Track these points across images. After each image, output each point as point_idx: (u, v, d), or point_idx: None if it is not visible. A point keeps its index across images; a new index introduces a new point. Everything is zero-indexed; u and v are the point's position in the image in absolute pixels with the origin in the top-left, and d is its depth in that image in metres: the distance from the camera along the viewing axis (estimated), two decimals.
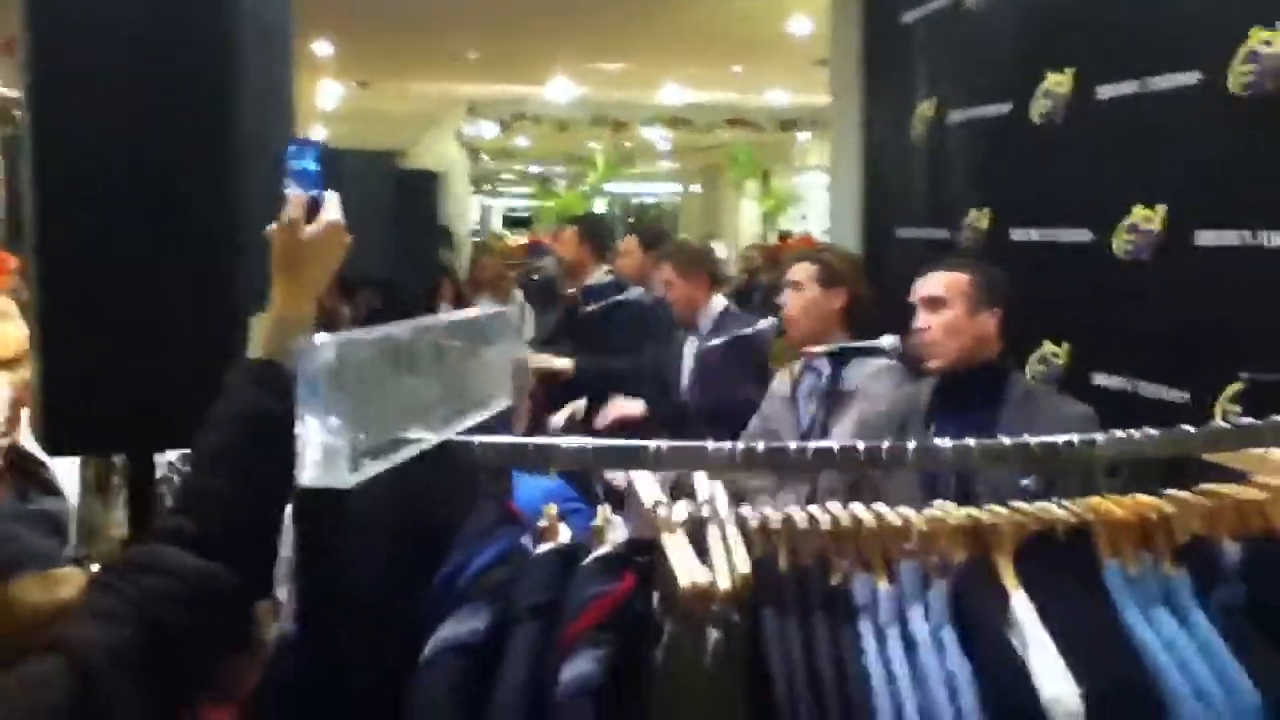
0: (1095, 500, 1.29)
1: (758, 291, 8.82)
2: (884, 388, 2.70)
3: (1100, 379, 3.71)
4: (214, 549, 1.10)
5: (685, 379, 4.02)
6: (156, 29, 1.51)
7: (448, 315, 1.44)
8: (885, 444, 1.25)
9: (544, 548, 1.21)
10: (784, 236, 15.27)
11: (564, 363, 4.41)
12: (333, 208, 1.28)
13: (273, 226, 1.25)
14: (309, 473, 1.04)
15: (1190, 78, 3.39)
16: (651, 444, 1.20)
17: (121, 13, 1.50)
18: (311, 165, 1.29)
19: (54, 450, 1.45)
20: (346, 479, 1.03)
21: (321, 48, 9.32)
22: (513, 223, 21.36)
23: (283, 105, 1.77)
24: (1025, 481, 1.94)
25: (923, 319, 2.41)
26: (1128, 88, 3.67)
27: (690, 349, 4.05)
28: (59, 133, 1.46)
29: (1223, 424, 1.33)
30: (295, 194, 1.26)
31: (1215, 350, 3.19)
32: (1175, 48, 3.45)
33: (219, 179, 1.47)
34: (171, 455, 1.82)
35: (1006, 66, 4.38)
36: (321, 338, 1.06)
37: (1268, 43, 3.09)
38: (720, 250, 13.46)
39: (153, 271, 1.42)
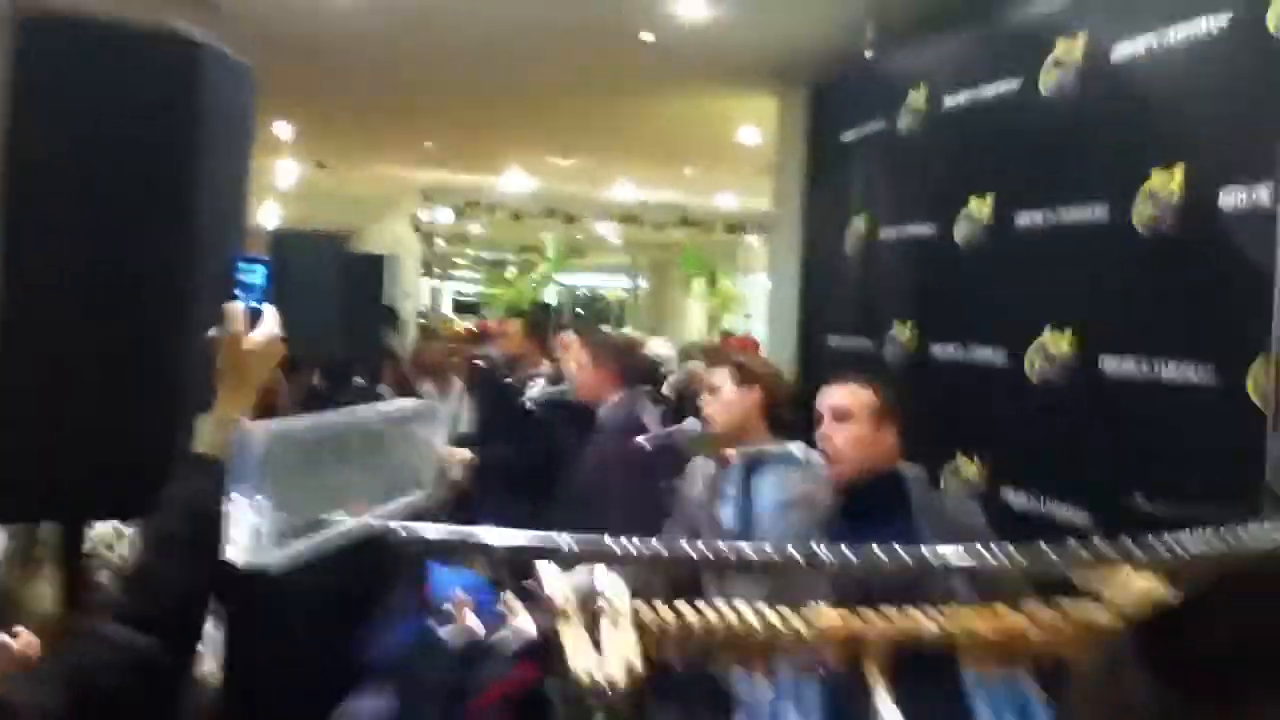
0: (959, 610, 1.41)
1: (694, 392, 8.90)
2: (794, 493, 2.80)
3: (1010, 495, 3.87)
4: (154, 627, 1.18)
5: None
6: (123, 114, 1.55)
7: (377, 405, 1.54)
8: (781, 548, 1.36)
9: (450, 630, 1.30)
10: (726, 335, 15.52)
11: (463, 453, 4.48)
12: (271, 320, 1.40)
13: (215, 332, 1.36)
14: (236, 552, 1.12)
15: (1098, 211, 3.62)
16: (563, 539, 1.31)
17: (91, 96, 1.55)
18: (258, 279, 1.42)
19: None
20: (272, 559, 1.12)
21: (281, 128, 9.47)
22: (461, 307, 21.42)
23: (239, 197, 1.85)
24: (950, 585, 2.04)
25: (828, 428, 2.53)
26: (1042, 216, 3.90)
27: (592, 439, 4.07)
28: (28, 217, 1.53)
29: (1076, 544, 1.45)
30: (236, 307, 1.38)
31: (1117, 472, 3.36)
32: (1086, 182, 3.69)
33: (173, 269, 1.54)
34: (103, 529, 1.88)
35: (933, 190, 4.62)
36: (253, 425, 1.16)
37: (1165, 183, 3.33)
38: (664, 347, 13.64)
39: (100, 350, 1.50)
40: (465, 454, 4.43)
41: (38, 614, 1.69)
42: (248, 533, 1.13)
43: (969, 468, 4.10)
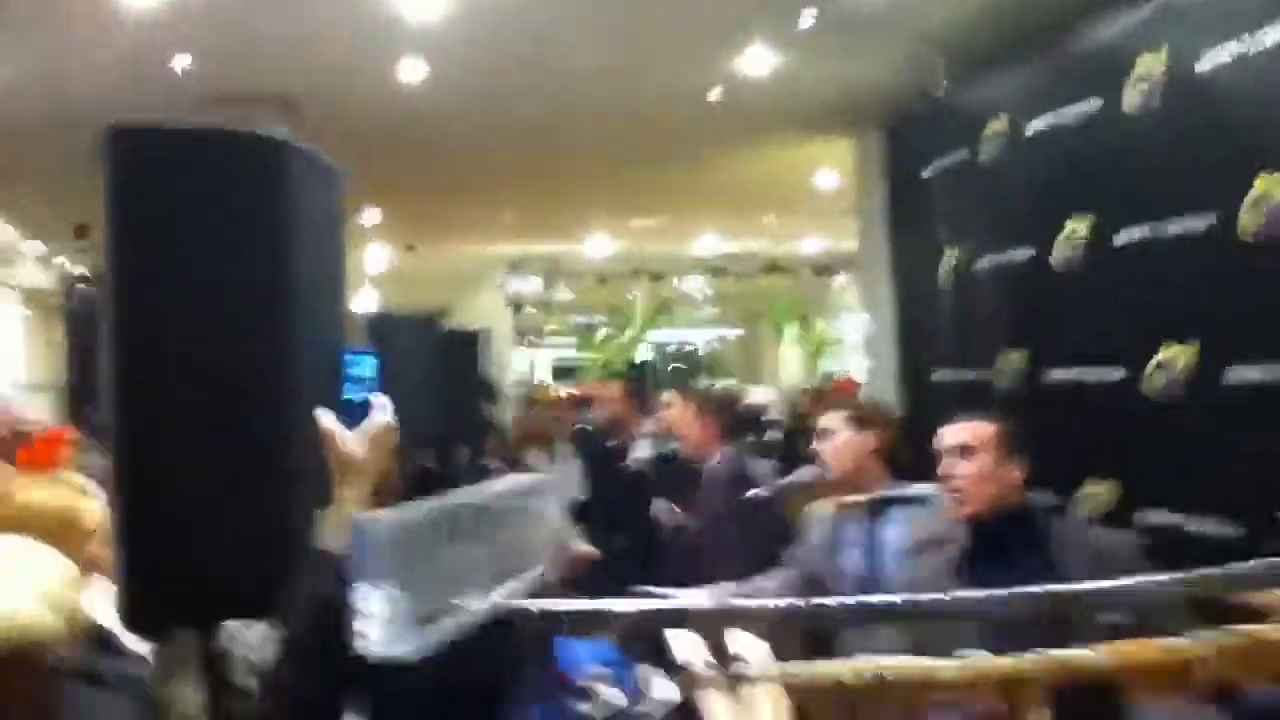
0: (1120, 643, 1.32)
1: (806, 436, 8.79)
2: (926, 534, 2.72)
3: (1149, 515, 3.71)
4: None
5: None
6: (216, 219, 1.57)
7: (492, 483, 1.52)
8: (922, 596, 1.30)
9: (589, 708, 1.26)
10: (831, 379, 15.34)
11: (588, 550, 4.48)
12: (383, 410, 1.41)
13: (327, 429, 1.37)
14: (368, 645, 1.11)
15: (1202, 221, 3.50)
16: (691, 604, 1.27)
17: (191, 213, 1.58)
18: (366, 370, 1.43)
19: (138, 630, 1.53)
20: (404, 648, 1.10)
21: (368, 215, 9.75)
22: (559, 373, 21.63)
23: (337, 291, 1.88)
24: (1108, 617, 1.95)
25: (951, 466, 2.46)
26: (1142, 231, 3.79)
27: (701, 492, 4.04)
28: (137, 325, 1.56)
29: (1242, 565, 1.36)
30: (321, 413, 1.38)
31: (1261, 482, 3.19)
32: (1186, 194, 3.58)
33: (277, 368, 1.56)
34: (237, 628, 1.90)
35: (1024, 215, 4.53)
36: (373, 514, 1.14)
37: (1270, 191, 3.20)
38: (763, 395, 13.55)
39: (217, 456, 1.51)
40: (589, 550, 4.42)
41: (184, 717, 1.71)
42: (377, 625, 1.11)
43: (1100, 491, 3.95)
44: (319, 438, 1.39)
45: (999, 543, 2.35)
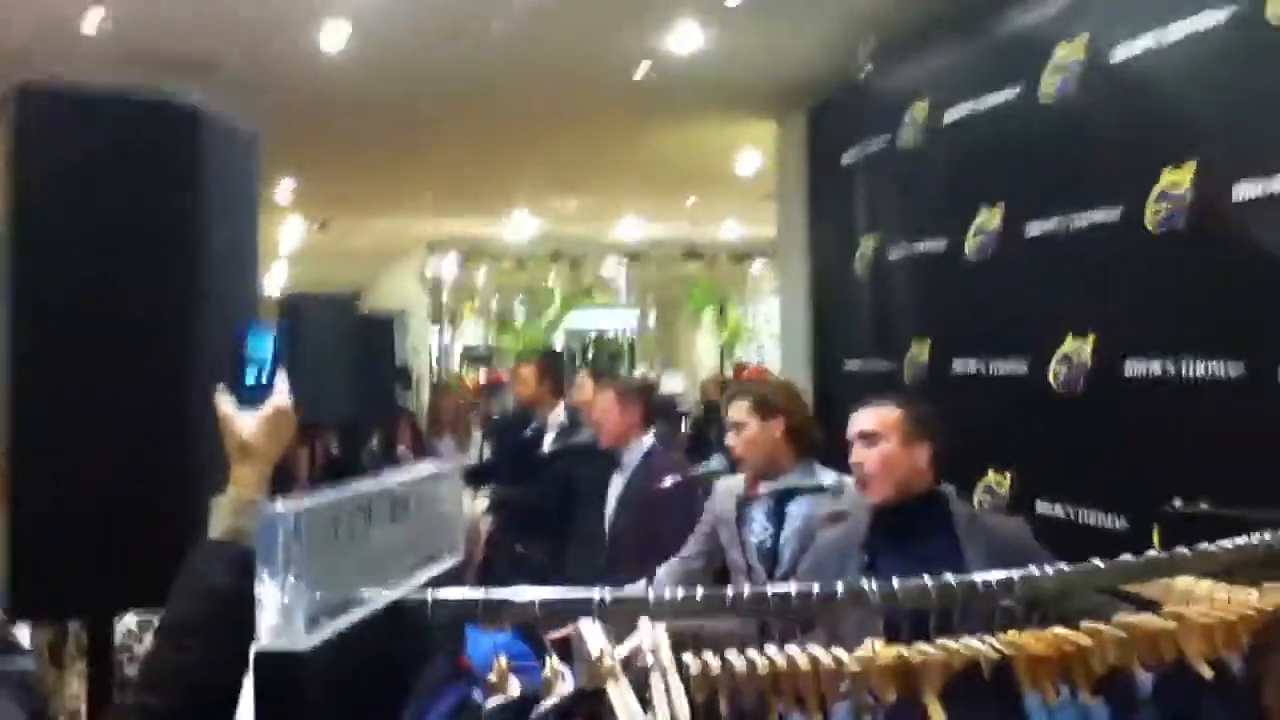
0: (1015, 634, 1.36)
1: (716, 425, 8.89)
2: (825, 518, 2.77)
3: (1043, 506, 3.81)
4: (176, 718, 1.15)
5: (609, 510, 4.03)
6: (124, 184, 1.52)
7: (401, 473, 1.50)
8: (817, 587, 1.32)
9: (494, 701, 1.26)
10: (740, 368, 15.48)
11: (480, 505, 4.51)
12: (282, 392, 1.37)
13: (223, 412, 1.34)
14: (267, 635, 1.09)
15: (1111, 214, 3.60)
16: (597, 593, 1.27)
17: (98, 179, 1.53)
18: (266, 350, 1.39)
19: (19, 616, 1.47)
20: (303, 640, 1.08)
21: (284, 188, 9.54)
22: (471, 359, 21.44)
23: (248, 264, 1.83)
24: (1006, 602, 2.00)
25: (858, 453, 2.50)
26: (1054, 223, 3.88)
27: (617, 482, 4.07)
28: (34, 297, 1.50)
29: (1129, 557, 1.41)
30: (220, 395, 1.35)
31: (1149, 477, 3.30)
32: (1097, 186, 3.67)
33: (180, 345, 1.52)
34: (130, 622, 1.86)
35: (940, 204, 4.60)
36: (278, 503, 1.13)
37: (1176, 183, 3.30)
38: (677, 383, 13.61)
39: (111, 435, 1.47)
40: (483, 500, 4.43)
41: (70, 710, 1.66)
42: (277, 615, 1.10)
43: (1000, 482, 4.05)
44: (216, 420, 1.35)
45: (904, 527, 2.40)
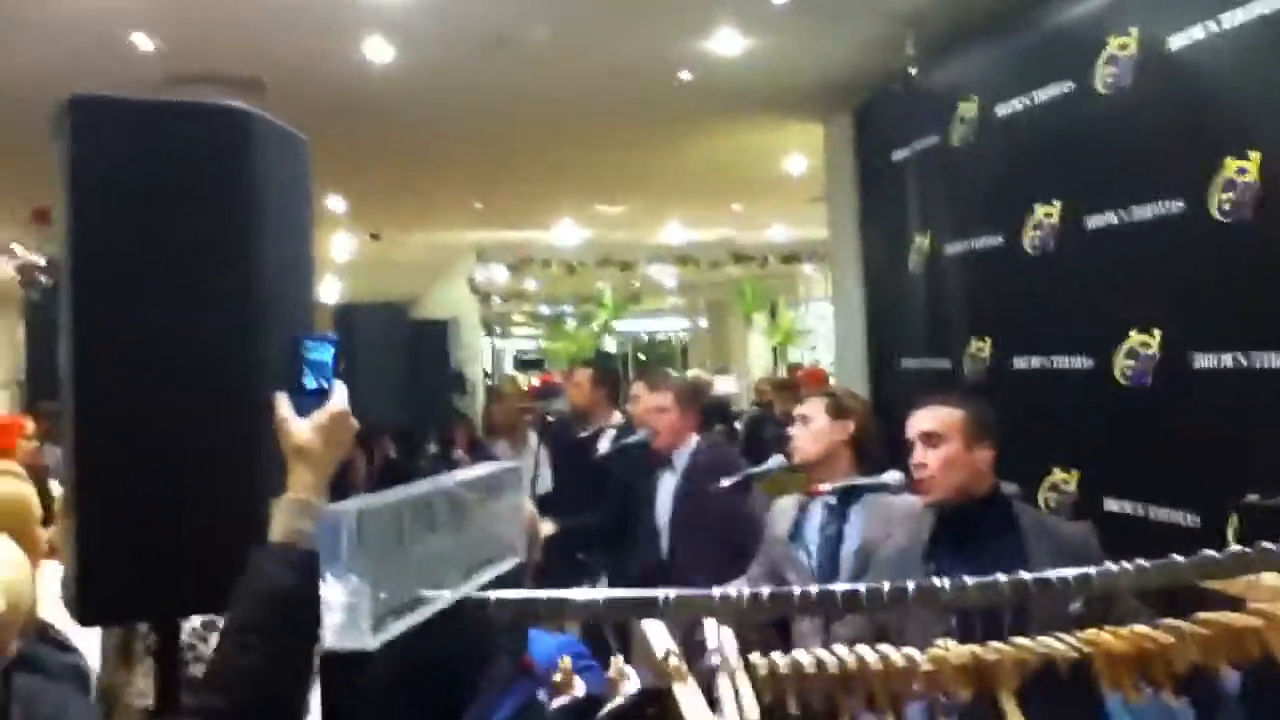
0: (1093, 632, 1.32)
1: (770, 425, 8.83)
2: (887, 524, 2.72)
3: (1111, 504, 3.73)
4: None
5: (661, 516, 4.00)
6: (178, 192, 1.51)
7: (461, 472, 1.50)
8: (886, 585, 1.29)
9: (560, 701, 1.25)
10: (794, 368, 15.38)
11: (547, 527, 4.49)
12: (340, 398, 1.39)
13: (281, 416, 1.35)
14: (332, 636, 1.08)
15: (1173, 206, 3.52)
16: (661, 593, 1.25)
17: (154, 189, 1.52)
18: (325, 357, 1.40)
19: (86, 621, 1.49)
20: (369, 641, 1.08)
21: (334, 202, 9.64)
22: (524, 364, 21.55)
23: (303, 272, 1.83)
24: (1074, 606, 1.95)
25: (919, 454, 2.46)
26: (1114, 216, 3.80)
27: (668, 482, 4.05)
28: (96, 306, 1.50)
29: (1212, 553, 1.36)
30: (280, 400, 1.36)
31: (1221, 472, 3.22)
32: (1156, 178, 3.59)
33: (237, 351, 1.52)
34: (195, 622, 1.87)
35: (995, 200, 4.53)
36: (341, 504, 1.12)
37: (1242, 170, 3.22)
38: (730, 384, 13.56)
39: (176, 442, 1.47)
40: (549, 526, 4.42)
41: (136, 710, 1.67)
42: (342, 615, 1.09)
43: (1066, 481, 3.97)
44: (275, 425, 1.36)
45: (966, 532, 2.36)
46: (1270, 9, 3.14)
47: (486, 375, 15.18)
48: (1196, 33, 3.41)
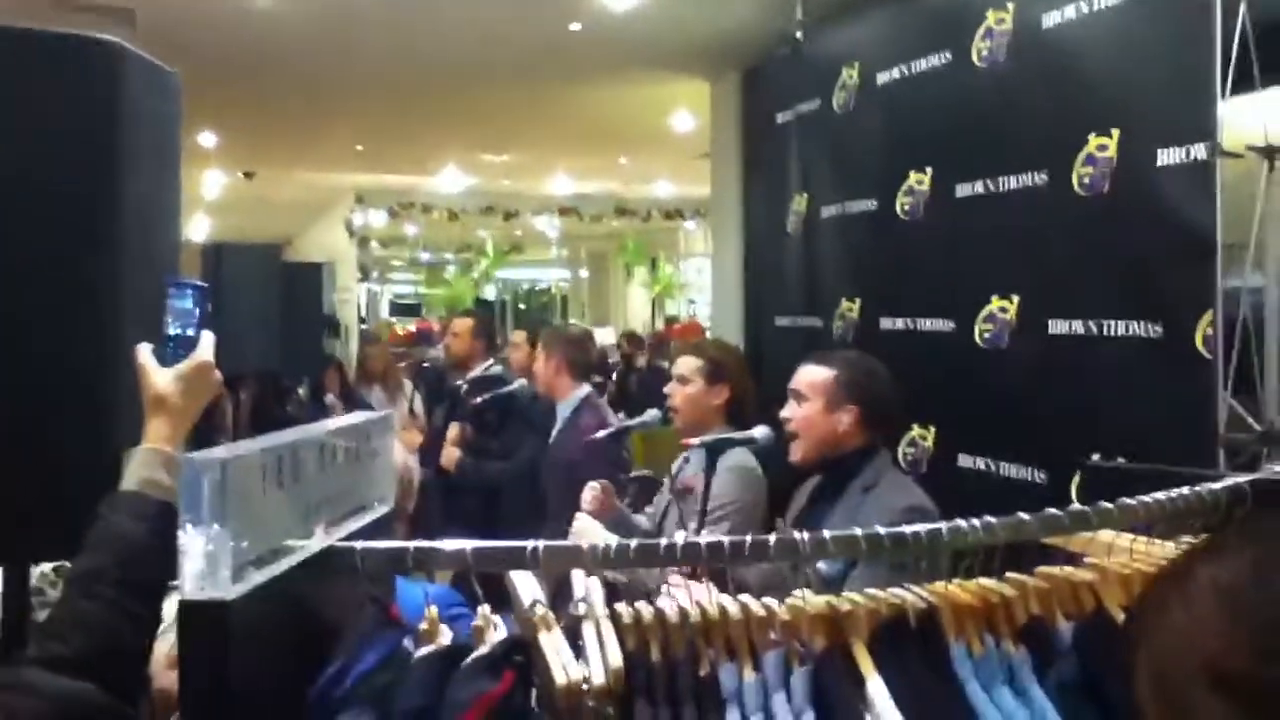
0: (942, 585, 1.39)
1: (633, 375, 8.92)
2: (730, 482, 2.79)
3: (965, 461, 3.89)
4: (85, 670, 1.13)
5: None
6: (42, 125, 1.45)
7: (332, 421, 1.48)
8: (747, 539, 1.33)
9: (425, 650, 1.25)
10: (670, 321, 15.52)
11: (453, 454, 4.47)
12: (205, 348, 1.36)
13: (141, 363, 1.32)
14: (190, 585, 1.07)
15: (1038, 178, 3.65)
16: (529, 545, 1.26)
17: (15, 119, 1.45)
18: (190, 304, 1.37)
19: None
20: (229, 590, 1.07)
21: (206, 138, 9.28)
22: (400, 309, 21.20)
23: (170, 211, 1.77)
24: (822, 565, 2.03)
25: (787, 409, 2.54)
26: (981, 186, 3.93)
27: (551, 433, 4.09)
28: None
29: (1055, 511, 1.44)
30: (141, 348, 1.33)
31: (1068, 433, 3.39)
32: (1024, 151, 3.72)
33: (99, 292, 1.46)
34: (45, 567, 1.81)
35: (872, 166, 4.63)
36: (204, 453, 1.10)
37: (1102, 147, 3.36)
38: (608, 336, 13.61)
39: (28, 385, 1.42)
40: (453, 454, 4.41)
41: None
42: (201, 563, 1.08)
43: (924, 436, 4.12)
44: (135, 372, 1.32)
45: (817, 492, 2.45)
46: None
47: (361, 320, 14.90)
48: (1069, 12, 3.53)
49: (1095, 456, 3.17)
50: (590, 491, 2.96)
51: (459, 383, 4.92)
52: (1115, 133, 3.33)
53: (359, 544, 1.27)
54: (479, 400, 4.47)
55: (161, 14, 5.38)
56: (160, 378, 1.31)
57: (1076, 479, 3.28)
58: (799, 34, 5.29)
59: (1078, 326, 3.45)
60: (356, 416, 1.56)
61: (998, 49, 3.87)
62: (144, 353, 1.33)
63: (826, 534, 1.33)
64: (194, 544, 1.08)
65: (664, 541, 1.31)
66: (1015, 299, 3.73)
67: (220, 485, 1.09)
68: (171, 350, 1.37)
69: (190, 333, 1.38)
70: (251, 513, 1.13)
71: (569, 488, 3.73)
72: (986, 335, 3.84)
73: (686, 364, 3.11)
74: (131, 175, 1.54)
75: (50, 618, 1.19)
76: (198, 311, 1.38)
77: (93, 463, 1.35)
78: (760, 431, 2.58)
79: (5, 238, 1.42)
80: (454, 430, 4.53)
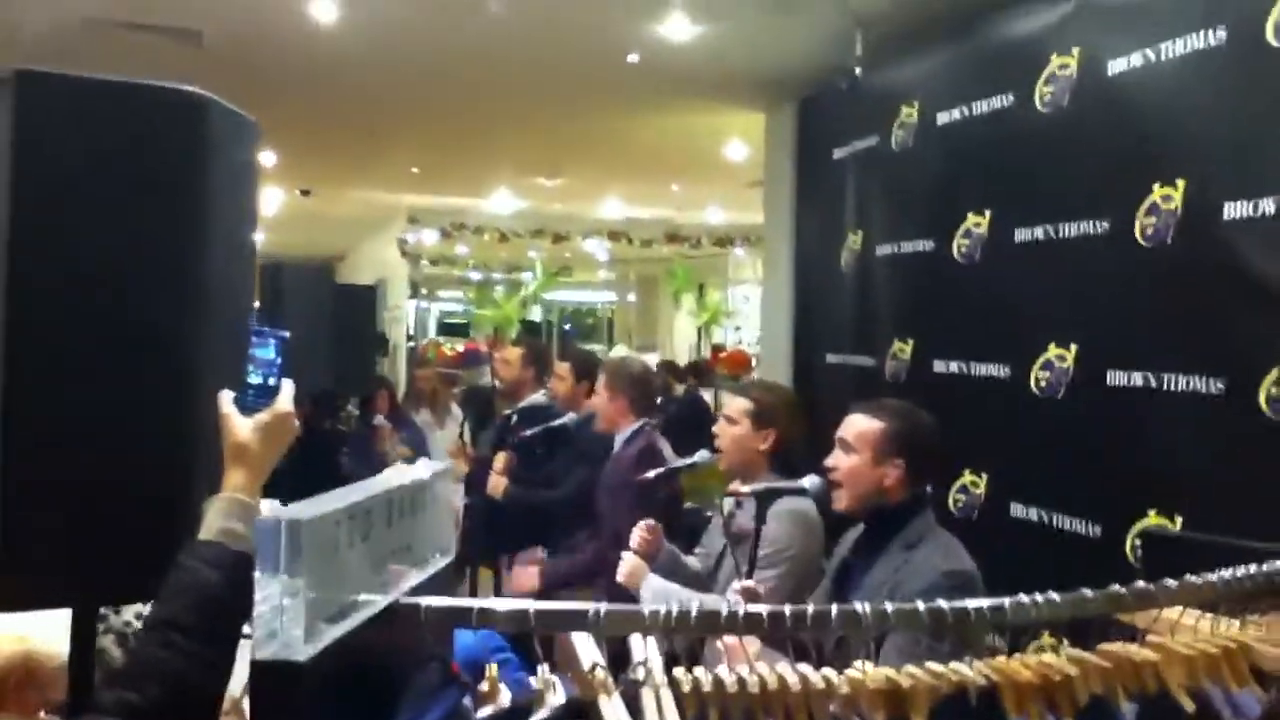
0: (1002, 660, 1.38)
1: (673, 404, 8.92)
2: (785, 529, 2.78)
3: (1017, 510, 3.84)
4: (148, 717, 1.15)
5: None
6: (129, 176, 1.48)
7: (397, 475, 1.50)
8: (809, 609, 1.33)
9: (485, 711, 1.26)
10: (717, 349, 15.50)
11: (500, 483, 4.49)
12: (285, 398, 1.37)
13: (223, 412, 1.34)
14: (265, 644, 1.08)
15: (1099, 226, 3.61)
16: (591, 607, 1.27)
17: (102, 172, 1.46)
18: (272, 353, 1.39)
19: (7, 606, 1.46)
20: (301, 650, 1.08)
21: (265, 156, 9.44)
22: (448, 329, 21.35)
23: (247, 256, 1.81)
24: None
25: (833, 458, 2.53)
26: (1041, 232, 3.89)
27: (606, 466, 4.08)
28: (34, 288, 1.46)
29: (1120, 590, 1.43)
30: (223, 395, 1.35)
31: (1124, 487, 3.34)
32: (1086, 197, 3.68)
33: (183, 340, 1.49)
34: (128, 614, 1.85)
35: (929, 206, 4.60)
36: (278, 509, 1.12)
37: (1167, 198, 3.32)
38: (653, 362, 13.63)
39: (111, 431, 1.45)
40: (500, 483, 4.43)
41: (54, 701, 1.65)
42: (275, 623, 1.09)
43: (975, 483, 4.08)
44: (216, 421, 1.35)
45: (861, 544, 2.44)
46: (1206, 44, 3.23)
47: (410, 338, 15.03)
48: (1135, 59, 3.49)
49: (1151, 513, 3.12)
50: (639, 532, 2.96)
51: (508, 413, 4.95)
52: (1181, 183, 3.29)
53: (423, 600, 1.29)
54: (528, 433, 4.49)
55: (228, 34, 5.49)
56: (241, 427, 1.33)
57: (1132, 534, 3.23)
58: (857, 69, 5.28)
59: (1137, 378, 3.40)
60: (423, 466, 1.57)
61: (1061, 93, 3.85)
62: (226, 401, 1.35)
63: (889, 607, 1.33)
64: (268, 601, 1.10)
65: (725, 609, 1.32)
66: (1074, 347, 3.69)
67: (294, 542, 1.11)
68: (253, 399, 1.39)
69: (271, 381, 1.41)
70: (326, 568, 1.15)
71: (620, 514, 3.75)
72: (1043, 383, 3.80)
73: (734, 405, 3.12)
74: (216, 225, 1.57)
75: (125, 665, 1.21)
76: (279, 360, 1.41)
77: (169, 510, 1.38)
78: (810, 481, 2.58)
79: (96, 285, 1.46)
80: (501, 459, 4.55)
